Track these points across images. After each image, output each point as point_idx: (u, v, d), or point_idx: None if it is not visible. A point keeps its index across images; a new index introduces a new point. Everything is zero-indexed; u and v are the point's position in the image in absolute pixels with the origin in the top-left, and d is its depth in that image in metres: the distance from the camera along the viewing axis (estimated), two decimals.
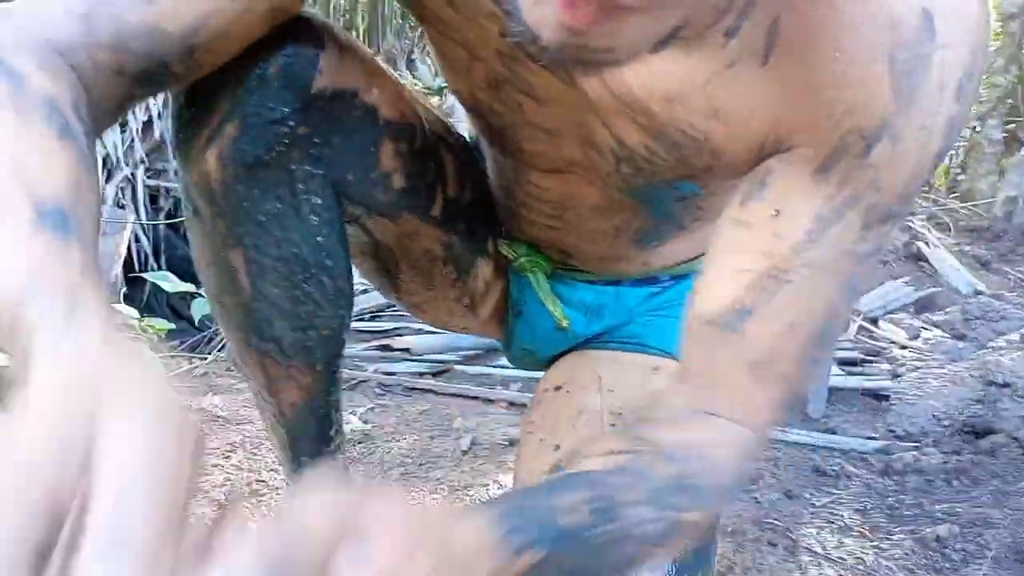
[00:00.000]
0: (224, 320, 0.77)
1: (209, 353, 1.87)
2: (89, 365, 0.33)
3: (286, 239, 0.70)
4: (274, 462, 1.22)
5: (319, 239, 0.71)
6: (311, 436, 0.84)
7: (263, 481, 1.18)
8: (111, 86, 0.52)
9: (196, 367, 1.70)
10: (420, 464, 1.30)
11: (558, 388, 0.87)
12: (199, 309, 1.74)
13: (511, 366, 1.82)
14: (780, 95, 0.55)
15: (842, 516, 1.21)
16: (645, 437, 0.54)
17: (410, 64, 6.02)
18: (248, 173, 0.66)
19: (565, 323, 0.90)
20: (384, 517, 0.35)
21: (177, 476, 0.30)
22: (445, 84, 0.87)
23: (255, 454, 1.25)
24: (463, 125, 0.98)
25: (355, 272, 0.82)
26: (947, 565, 1.09)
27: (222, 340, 2.03)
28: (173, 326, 1.74)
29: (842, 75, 0.52)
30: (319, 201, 0.70)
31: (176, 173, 0.70)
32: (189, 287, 1.70)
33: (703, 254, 0.92)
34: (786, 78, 0.54)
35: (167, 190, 2.60)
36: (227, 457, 1.24)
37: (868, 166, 0.53)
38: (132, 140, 2.49)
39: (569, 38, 0.49)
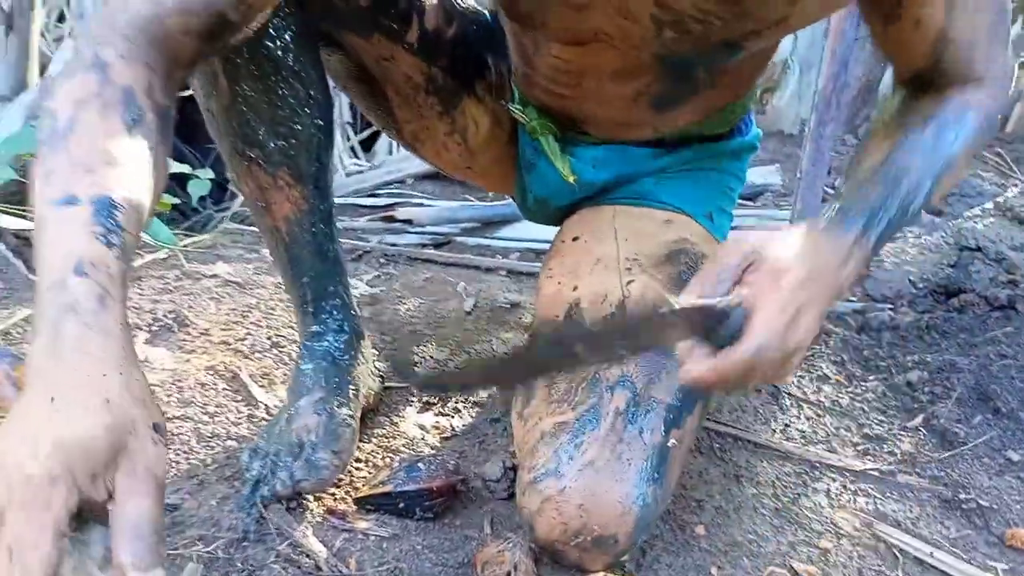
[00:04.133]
0: (215, 130, 0.84)
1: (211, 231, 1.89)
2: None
3: (254, 36, 0.74)
4: (290, 321, 1.28)
5: (283, 43, 0.77)
6: (310, 251, 0.91)
7: (282, 335, 1.24)
8: (182, 48, 0.59)
9: (201, 239, 1.72)
10: (428, 323, 1.37)
11: (575, 239, 0.93)
12: (197, 189, 1.75)
13: (509, 237, 1.87)
14: None
15: (821, 367, 1.30)
16: (907, 117, 0.75)
17: None
18: None
19: (572, 179, 0.95)
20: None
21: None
22: None
23: (271, 314, 1.31)
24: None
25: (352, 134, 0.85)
26: (916, 406, 1.19)
27: (221, 217, 2.05)
28: (177, 200, 1.75)
29: None
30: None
31: None
32: (184, 168, 1.70)
33: (703, 118, 0.96)
34: None
35: None
36: (245, 316, 1.29)
37: None
38: None
39: None
